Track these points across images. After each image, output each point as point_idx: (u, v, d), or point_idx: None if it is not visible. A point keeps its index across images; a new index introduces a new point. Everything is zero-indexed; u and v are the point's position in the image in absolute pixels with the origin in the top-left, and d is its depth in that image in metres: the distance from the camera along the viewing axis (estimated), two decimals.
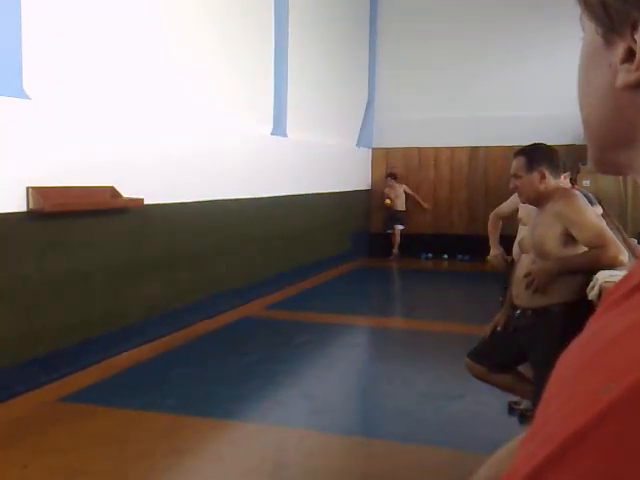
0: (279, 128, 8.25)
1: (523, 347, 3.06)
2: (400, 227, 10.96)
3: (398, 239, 10.96)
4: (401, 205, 10.96)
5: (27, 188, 4.38)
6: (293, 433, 3.90)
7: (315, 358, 5.52)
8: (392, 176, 11.02)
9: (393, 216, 10.96)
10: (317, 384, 4.85)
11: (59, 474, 3.23)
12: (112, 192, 5.12)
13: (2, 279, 4.23)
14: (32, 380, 4.36)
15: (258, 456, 3.59)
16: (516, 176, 3.02)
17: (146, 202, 5.39)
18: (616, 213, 7.25)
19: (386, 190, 11.00)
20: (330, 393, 4.65)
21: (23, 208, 4.37)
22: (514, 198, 4.36)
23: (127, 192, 5.20)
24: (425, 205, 11.12)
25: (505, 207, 4.55)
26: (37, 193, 4.41)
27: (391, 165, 11.52)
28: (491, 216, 4.60)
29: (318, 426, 3.95)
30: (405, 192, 10.99)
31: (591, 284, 2.84)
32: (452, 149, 11.18)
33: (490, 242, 4.48)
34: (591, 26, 0.51)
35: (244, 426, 3.98)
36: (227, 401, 4.29)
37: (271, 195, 7.81)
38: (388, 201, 10.92)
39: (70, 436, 3.69)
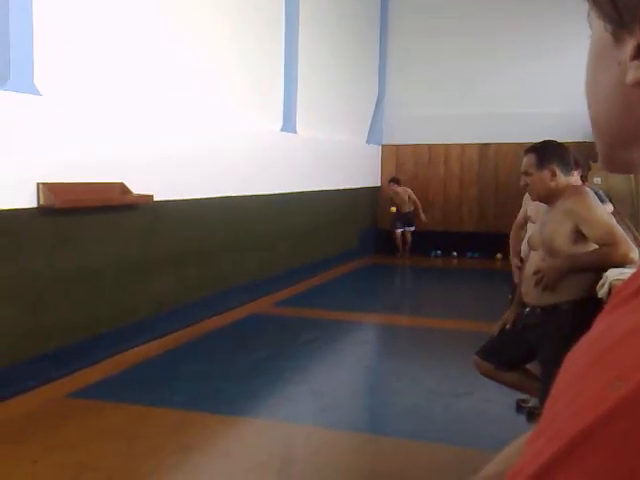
0: (289, 124, 8.25)
1: (532, 345, 3.05)
2: (410, 228, 10.87)
3: (409, 239, 10.89)
4: (408, 207, 10.81)
5: (37, 184, 4.40)
6: (301, 430, 3.91)
7: (323, 355, 5.52)
8: (395, 181, 10.79)
9: (400, 218, 10.84)
10: (325, 381, 4.85)
11: (69, 469, 3.25)
12: (122, 188, 5.13)
13: (13, 275, 4.26)
14: (41, 376, 4.39)
15: (266, 452, 3.60)
16: (527, 173, 3.01)
17: (156, 198, 5.41)
18: (627, 211, 7.20)
19: (390, 194, 10.79)
20: (338, 390, 4.65)
21: (33, 204, 4.39)
22: (524, 203, 4.40)
23: (137, 188, 5.22)
24: (422, 217, 10.70)
25: (520, 215, 4.61)
26: (47, 189, 4.42)
27: (400, 162, 11.48)
28: (512, 228, 4.70)
29: (326, 423, 3.95)
30: (409, 197, 10.77)
31: (601, 282, 2.82)
32: (462, 146, 11.14)
33: (510, 254, 4.59)
34: (599, 23, 0.50)
35: (252, 422, 3.99)
36: (235, 397, 4.30)
37: (280, 192, 7.81)
38: (393, 209, 10.77)
39: (79, 432, 3.71)
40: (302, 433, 3.87)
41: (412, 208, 10.82)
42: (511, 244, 4.65)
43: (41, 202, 4.41)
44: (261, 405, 4.21)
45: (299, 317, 6.77)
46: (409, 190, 10.80)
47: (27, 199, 4.34)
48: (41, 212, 4.43)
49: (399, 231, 10.81)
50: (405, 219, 10.81)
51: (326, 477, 3.30)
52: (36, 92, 4.44)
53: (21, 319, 4.34)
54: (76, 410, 4.06)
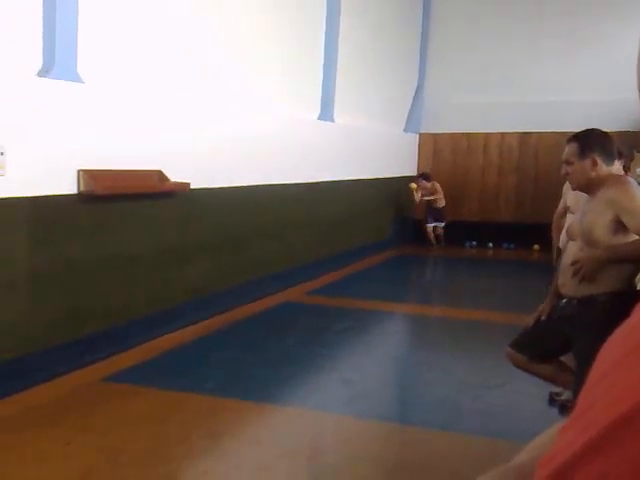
0: (326, 113, 8.22)
1: (567, 337, 2.99)
2: (441, 224, 10.72)
3: (441, 232, 10.77)
4: (440, 202, 10.65)
5: (78, 171, 4.46)
6: (330, 418, 3.91)
7: (355, 344, 5.52)
8: (424, 177, 10.60)
9: (431, 212, 10.67)
10: (356, 370, 4.85)
11: (101, 453, 3.30)
12: (159, 176, 5.19)
13: (53, 260, 4.33)
14: (76, 360, 4.46)
15: (295, 440, 3.61)
16: (568, 162, 2.95)
17: (193, 186, 5.45)
18: None
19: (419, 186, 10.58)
20: (368, 379, 4.64)
21: (74, 190, 4.45)
22: (564, 193, 4.34)
23: (174, 176, 5.27)
24: (427, 198, 10.52)
25: (560, 205, 4.55)
26: (88, 176, 4.49)
27: (438, 149, 11.34)
28: (553, 219, 4.65)
29: (356, 412, 3.94)
30: (436, 190, 10.55)
31: None
32: (502, 134, 10.94)
33: (553, 245, 4.54)
34: None
35: (282, 410, 4.01)
36: (266, 384, 4.32)
37: (316, 180, 7.80)
38: (414, 185, 10.46)
39: (112, 416, 3.76)
40: (331, 422, 3.87)
41: (444, 203, 10.65)
42: (553, 236, 4.58)
43: (81, 189, 4.47)
44: (291, 393, 4.23)
45: (332, 306, 6.77)
46: (437, 185, 10.60)
47: (68, 186, 4.41)
48: (81, 198, 4.50)
49: (430, 226, 10.71)
50: (436, 214, 10.68)
51: (355, 466, 3.29)
52: (79, 80, 4.50)
53: (58, 304, 4.41)
54: (109, 395, 4.12)
